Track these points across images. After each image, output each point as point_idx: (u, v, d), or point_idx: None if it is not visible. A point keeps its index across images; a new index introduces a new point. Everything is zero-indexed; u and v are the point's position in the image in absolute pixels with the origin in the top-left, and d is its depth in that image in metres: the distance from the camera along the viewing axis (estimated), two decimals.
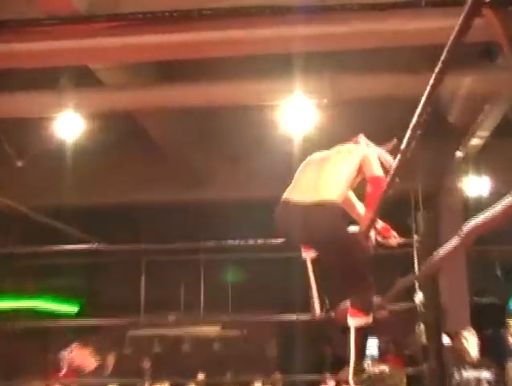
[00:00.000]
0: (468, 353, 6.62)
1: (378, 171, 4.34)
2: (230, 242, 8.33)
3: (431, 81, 2.15)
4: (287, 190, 4.43)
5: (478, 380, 6.49)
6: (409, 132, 2.55)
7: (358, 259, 4.16)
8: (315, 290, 4.51)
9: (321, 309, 4.47)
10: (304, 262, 4.51)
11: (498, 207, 1.67)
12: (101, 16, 6.98)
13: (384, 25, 6.83)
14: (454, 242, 2.11)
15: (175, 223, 13.60)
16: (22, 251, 10.77)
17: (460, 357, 6.64)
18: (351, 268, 4.15)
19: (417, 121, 2.42)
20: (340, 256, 4.12)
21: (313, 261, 4.48)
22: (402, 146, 2.69)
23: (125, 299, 14.21)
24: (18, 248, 12.87)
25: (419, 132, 2.49)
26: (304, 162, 4.64)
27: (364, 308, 4.08)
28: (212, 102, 8.79)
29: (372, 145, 4.67)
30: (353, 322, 4.12)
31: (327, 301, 4.58)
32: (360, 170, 4.37)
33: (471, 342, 6.68)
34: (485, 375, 6.51)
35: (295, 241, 4.52)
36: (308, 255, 4.48)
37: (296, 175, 4.54)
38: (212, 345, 15.72)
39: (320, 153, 4.66)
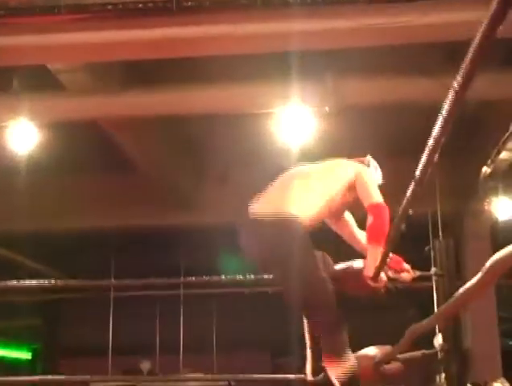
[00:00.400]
0: None
1: (378, 197, 4.32)
2: (215, 278, 8.37)
3: (455, 87, 2.08)
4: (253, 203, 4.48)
5: None
6: (426, 153, 2.54)
7: (319, 289, 4.14)
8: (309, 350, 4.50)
9: (313, 372, 4.42)
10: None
11: None
12: (63, 7, 6.97)
13: (394, 19, 6.85)
14: (478, 278, 2.06)
15: (152, 252, 13.61)
16: None
17: None
18: (309, 298, 4.17)
19: (436, 139, 2.41)
20: (295, 283, 4.10)
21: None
22: (418, 171, 2.69)
23: (88, 343, 14.23)
24: None
25: (437, 153, 2.48)
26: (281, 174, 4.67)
27: (339, 353, 4.10)
28: (195, 110, 8.79)
29: (379, 170, 4.65)
30: (333, 373, 4.11)
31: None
32: (350, 188, 4.37)
33: None
34: None
35: (253, 260, 4.57)
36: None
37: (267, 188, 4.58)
38: None
39: (303, 167, 4.72)
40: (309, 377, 4.37)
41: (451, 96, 2.10)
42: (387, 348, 4.39)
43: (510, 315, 15.35)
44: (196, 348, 14.62)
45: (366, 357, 4.41)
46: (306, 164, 4.74)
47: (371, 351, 4.42)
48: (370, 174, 4.52)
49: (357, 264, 4.39)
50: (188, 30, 6.93)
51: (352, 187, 4.37)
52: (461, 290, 2.43)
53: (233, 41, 7.10)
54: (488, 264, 1.88)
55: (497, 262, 1.80)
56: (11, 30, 7.11)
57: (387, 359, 4.34)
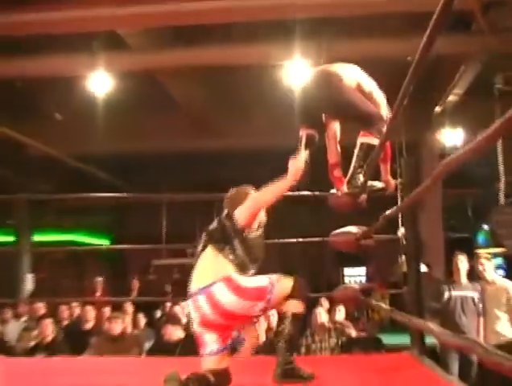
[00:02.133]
0: (460, 275, 6.68)
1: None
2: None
3: (422, 46, 2.06)
4: None
5: (465, 298, 6.57)
6: (402, 91, 2.48)
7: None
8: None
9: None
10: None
11: (460, 151, 1.69)
12: None
13: None
14: (427, 180, 2.16)
15: (192, 168, 13.61)
16: (62, 197, 10.74)
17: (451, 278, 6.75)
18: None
19: (408, 82, 2.36)
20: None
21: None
22: (397, 103, 2.62)
23: (149, 234, 14.28)
24: (58, 194, 12.91)
25: (411, 88, 2.43)
26: None
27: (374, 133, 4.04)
28: (223, 62, 8.71)
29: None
30: (364, 139, 4.11)
31: None
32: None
33: (463, 265, 6.74)
34: (471, 294, 6.59)
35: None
36: (304, 132, 4.30)
37: None
38: None
39: None
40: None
41: (418, 52, 2.09)
42: (365, 228, 4.40)
43: (451, 215, 15.37)
44: None
45: (349, 232, 4.45)
46: None
47: (353, 228, 4.45)
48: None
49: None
50: (218, 3, 6.84)
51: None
52: (417, 189, 2.51)
53: (251, 10, 7.02)
54: (433, 172, 2.06)
55: (441, 168, 1.93)
56: (91, 5, 7.03)
57: (365, 235, 4.35)
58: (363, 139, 4.12)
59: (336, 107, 4.09)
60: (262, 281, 3.47)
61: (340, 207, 4.34)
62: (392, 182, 4.36)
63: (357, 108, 4.01)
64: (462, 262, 6.81)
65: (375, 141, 3.97)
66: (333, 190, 4.34)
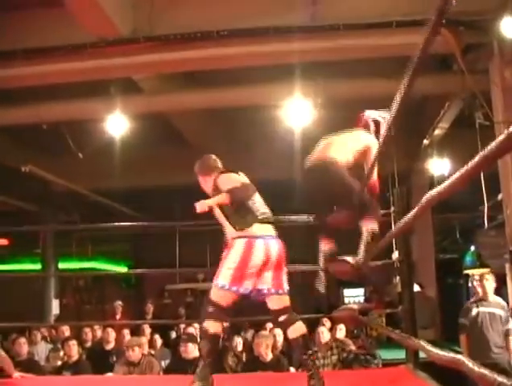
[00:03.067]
0: (487, 292, 6.66)
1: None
2: None
3: (404, 85, 2.13)
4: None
5: (493, 315, 6.60)
6: (386, 127, 2.54)
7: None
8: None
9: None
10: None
11: (447, 182, 1.74)
12: (141, 38, 6.99)
13: (364, 41, 6.85)
14: (417, 208, 2.22)
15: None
16: (84, 227, 10.81)
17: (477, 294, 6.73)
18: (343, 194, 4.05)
19: (393, 117, 2.41)
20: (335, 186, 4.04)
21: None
22: (382, 132, 2.67)
23: (163, 261, 14.31)
24: (80, 225, 12.98)
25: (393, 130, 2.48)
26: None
27: (376, 217, 4.07)
28: (229, 104, 8.79)
29: (382, 113, 4.47)
30: (369, 225, 4.09)
31: None
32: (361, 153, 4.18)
33: (490, 284, 6.72)
34: (499, 312, 6.61)
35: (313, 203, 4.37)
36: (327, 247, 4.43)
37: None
38: None
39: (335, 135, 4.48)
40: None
41: (400, 92, 2.15)
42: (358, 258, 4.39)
43: (442, 238, 15.37)
44: None
45: (347, 261, 4.42)
46: (336, 133, 4.50)
47: (349, 258, 4.42)
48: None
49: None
50: (224, 50, 6.94)
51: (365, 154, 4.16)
52: (407, 216, 2.55)
53: (254, 56, 7.12)
54: (422, 200, 2.09)
55: (427, 199, 2.01)
56: (107, 55, 7.13)
57: (360, 265, 4.34)
58: (368, 225, 4.12)
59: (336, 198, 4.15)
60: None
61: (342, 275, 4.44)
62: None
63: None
64: (488, 281, 6.75)
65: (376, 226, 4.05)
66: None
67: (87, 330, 8.57)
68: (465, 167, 1.54)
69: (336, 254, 4.31)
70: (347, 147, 4.17)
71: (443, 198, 1.89)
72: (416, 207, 2.29)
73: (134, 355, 6.59)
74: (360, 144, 4.21)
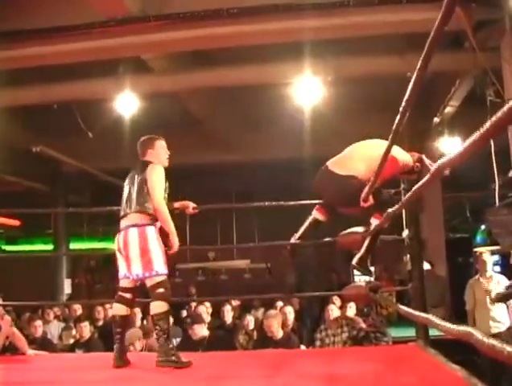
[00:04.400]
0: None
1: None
2: (256, 204, 8.49)
3: (419, 64, 2.09)
4: (331, 160, 4.51)
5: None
6: (403, 106, 2.50)
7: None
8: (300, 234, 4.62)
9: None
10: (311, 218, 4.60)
11: (458, 150, 1.73)
12: (150, 17, 6.96)
13: (374, 17, 6.79)
14: (427, 176, 2.27)
15: (212, 180, 13.68)
16: (94, 210, 10.86)
17: None
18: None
19: (409, 97, 2.39)
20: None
21: (315, 222, 4.62)
22: (398, 117, 2.63)
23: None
24: (89, 206, 13.01)
25: (411, 102, 2.44)
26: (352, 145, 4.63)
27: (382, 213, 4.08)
28: (239, 82, 8.74)
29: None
30: (375, 221, 4.25)
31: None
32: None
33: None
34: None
35: (322, 197, 4.61)
36: (319, 217, 4.60)
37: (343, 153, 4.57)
38: (243, 275, 15.82)
39: (365, 143, 4.61)
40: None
41: (416, 70, 2.12)
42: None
43: (452, 217, 15.33)
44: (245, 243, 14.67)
45: (356, 232, 4.49)
46: (368, 141, 4.61)
47: (359, 228, 4.47)
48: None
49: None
50: (234, 28, 6.89)
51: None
52: (417, 185, 2.54)
53: (264, 34, 7.06)
54: (433, 168, 2.12)
55: (438, 167, 2.05)
56: (116, 34, 7.10)
57: (368, 233, 4.37)
58: (375, 221, 4.28)
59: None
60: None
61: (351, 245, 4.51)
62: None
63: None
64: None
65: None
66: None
67: (99, 308, 8.64)
68: (476, 134, 1.53)
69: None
70: (372, 160, 4.12)
71: (454, 166, 1.89)
72: (427, 176, 2.28)
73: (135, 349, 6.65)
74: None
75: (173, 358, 3.90)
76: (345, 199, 4.33)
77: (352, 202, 4.21)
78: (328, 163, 4.49)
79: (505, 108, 1.32)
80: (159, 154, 4.45)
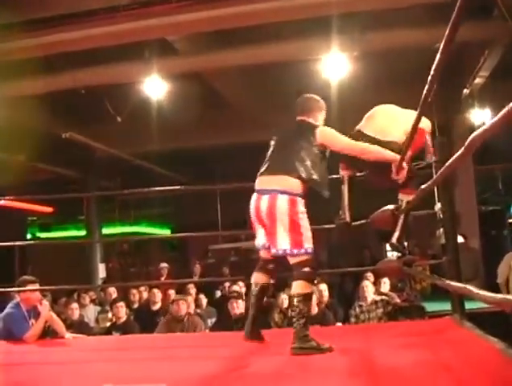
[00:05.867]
0: None
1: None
2: None
3: (446, 34, 2.05)
4: (362, 124, 4.32)
5: None
6: (431, 75, 2.46)
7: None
8: (347, 203, 4.40)
9: (351, 218, 4.39)
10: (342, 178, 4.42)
11: (488, 124, 1.69)
12: None
13: None
14: (461, 150, 2.22)
15: (243, 160, 13.67)
16: (126, 192, 10.94)
17: None
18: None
19: (436, 67, 2.35)
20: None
21: (349, 179, 4.39)
22: (426, 89, 2.60)
23: (206, 221, 14.42)
24: (121, 190, 13.10)
25: (439, 72, 2.41)
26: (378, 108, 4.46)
27: (413, 189, 4.10)
28: (266, 60, 8.68)
29: None
30: (406, 197, 4.21)
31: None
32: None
33: None
34: None
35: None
36: (346, 173, 4.38)
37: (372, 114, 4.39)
38: None
39: (391, 107, 4.47)
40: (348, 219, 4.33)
41: (444, 40, 2.08)
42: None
43: (484, 190, 15.17)
44: None
45: (387, 209, 4.45)
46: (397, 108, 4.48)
47: (389, 206, 4.43)
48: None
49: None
50: (259, 5, 6.82)
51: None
52: (451, 159, 2.50)
53: (289, 10, 6.98)
54: (467, 142, 2.04)
55: (471, 140, 1.96)
56: (140, 17, 7.09)
57: (401, 211, 4.32)
58: (407, 197, 4.23)
59: None
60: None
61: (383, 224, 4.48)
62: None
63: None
64: None
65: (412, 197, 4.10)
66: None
67: (134, 291, 8.74)
68: (509, 106, 1.50)
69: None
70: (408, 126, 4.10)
71: (487, 139, 1.85)
72: (461, 149, 2.25)
73: (182, 309, 6.75)
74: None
75: (310, 344, 3.52)
76: (381, 167, 4.08)
77: (384, 170, 4.06)
78: (361, 127, 4.29)
79: None
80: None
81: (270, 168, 3.77)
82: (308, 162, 3.68)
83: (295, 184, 3.63)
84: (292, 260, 3.64)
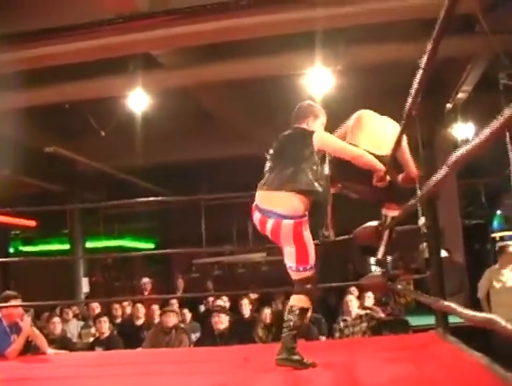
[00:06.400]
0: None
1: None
2: None
3: (429, 49, 2.06)
4: (350, 136, 4.26)
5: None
6: (414, 89, 2.47)
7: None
8: (331, 220, 4.38)
9: (335, 235, 4.38)
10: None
11: (472, 143, 1.68)
12: (159, 12, 6.94)
13: (384, 4, 6.72)
14: (443, 170, 2.14)
15: (226, 173, 13.67)
16: (109, 205, 10.90)
17: None
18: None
19: (419, 82, 2.36)
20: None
21: (332, 196, 4.29)
22: (409, 102, 2.61)
23: (190, 236, 14.39)
24: (105, 203, 13.03)
25: (420, 93, 2.42)
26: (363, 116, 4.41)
27: (398, 204, 4.11)
28: (250, 74, 8.70)
29: None
30: (391, 213, 4.18)
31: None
32: None
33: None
34: None
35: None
36: (334, 190, 4.33)
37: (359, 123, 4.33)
38: (261, 268, 15.84)
39: (375, 116, 4.43)
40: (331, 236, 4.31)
41: (426, 55, 2.09)
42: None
43: (467, 204, 15.26)
44: (262, 237, 14.69)
45: (371, 225, 4.43)
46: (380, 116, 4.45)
47: (373, 222, 4.41)
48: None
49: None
50: (244, 21, 6.84)
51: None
52: (433, 179, 2.51)
53: (274, 25, 7.00)
54: (450, 161, 1.99)
55: (455, 159, 1.93)
56: (125, 31, 7.09)
57: (386, 227, 4.32)
58: (391, 213, 4.21)
59: None
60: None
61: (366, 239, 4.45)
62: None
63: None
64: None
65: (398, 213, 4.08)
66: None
67: (117, 306, 8.68)
68: (494, 123, 1.50)
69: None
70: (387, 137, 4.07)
71: (471, 158, 1.84)
72: (442, 169, 2.25)
73: (170, 320, 6.74)
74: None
75: (295, 357, 3.48)
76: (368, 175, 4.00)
77: (369, 182, 4.02)
78: (353, 140, 4.20)
79: None
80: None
81: (270, 182, 3.63)
82: (310, 173, 3.57)
83: (298, 204, 3.52)
84: (296, 276, 3.61)
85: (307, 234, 3.56)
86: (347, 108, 4.27)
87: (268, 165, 3.78)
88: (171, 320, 6.80)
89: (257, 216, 3.66)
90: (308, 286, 3.57)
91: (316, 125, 3.90)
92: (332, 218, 4.35)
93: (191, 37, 7.32)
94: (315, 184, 3.57)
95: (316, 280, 3.65)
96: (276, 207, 3.54)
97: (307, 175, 3.55)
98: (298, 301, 3.56)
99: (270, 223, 3.57)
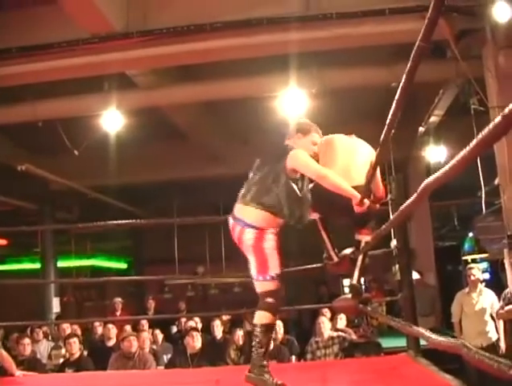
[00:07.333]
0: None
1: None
2: None
3: (404, 78, 2.08)
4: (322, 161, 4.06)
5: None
6: (389, 118, 2.49)
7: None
8: (328, 242, 4.33)
9: (336, 256, 4.31)
10: (314, 221, 4.30)
11: (444, 168, 1.71)
12: (134, 33, 6.96)
13: (358, 29, 6.81)
14: (415, 195, 2.21)
15: (200, 194, 13.66)
16: (81, 226, 10.82)
17: None
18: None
19: (396, 106, 2.37)
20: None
21: (321, 220, 4.22)
22: (385, 130, 2.63)
23: (163, 255, 14.33)
24: (75, 225, 12.95)
25: (398, 112, 2.42)
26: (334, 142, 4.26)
27: (370, 229, 4.11)
28: (224, 96, 8.75)
29: None
30: (364, 237, 4.13)
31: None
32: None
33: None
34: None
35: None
36: (315, 216, 4.12)
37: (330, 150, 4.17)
38: (233, 289, 15.78)
39: (346, 141, 4.28)
40: (335, 259, 4.25)
41: (403, 80, 2.11)
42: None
43: (440, 225, 15.40)
44: (234, 258, 14.67)
45: (346, 254, 4.34)
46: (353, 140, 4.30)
47: (348, 250, 4.34)
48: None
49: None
50: (218, 42, 6.91)
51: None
52: (404, 204, 2.53)
53: (248, 48, 7.08)
54: (420, 188, 2.07)
55: (424, 186, 2.00)
56: (100, 51, 7.10)
57: (358, 253, 4.30)
58: (364, 238, 4.16)
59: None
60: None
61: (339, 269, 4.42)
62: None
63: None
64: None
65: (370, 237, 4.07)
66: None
67: (88, 327, 8.59)
68: (462, 152, 1.52)
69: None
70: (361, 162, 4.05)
71: (441, 184, 1.86)
72: (414, 195, 2.27)
73: (131, 346, 6.64)
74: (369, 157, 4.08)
75: (265, 376, 3.43)
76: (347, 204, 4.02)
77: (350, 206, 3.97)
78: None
79: (491, 125, 1.30)
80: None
81: (243, 196, 3.69)
82: (276, 193, 3.57)
83: (261, 218, 3.55)
84: (258, 288, 3.58)
85: (269, 246, 3.55)
86: (321, 130, 4.24)
87: (249, 177, 3.81)
88: (133, 345, 6.70)
89: (230, 222, 3.71)
90: (270, 300, 3.52)
91: (302, 143, 3.87)
92: (329, 240, 4.31)
93: (166, 58, 7.36)
94: (282, 205, 3.56)
95: (279, 294, 3.57)
96: (243, 216, 3.60)
97: (272, 195, 3.57)
98: (261, 318, 3.53)
99: (237, 229, 3.63)
